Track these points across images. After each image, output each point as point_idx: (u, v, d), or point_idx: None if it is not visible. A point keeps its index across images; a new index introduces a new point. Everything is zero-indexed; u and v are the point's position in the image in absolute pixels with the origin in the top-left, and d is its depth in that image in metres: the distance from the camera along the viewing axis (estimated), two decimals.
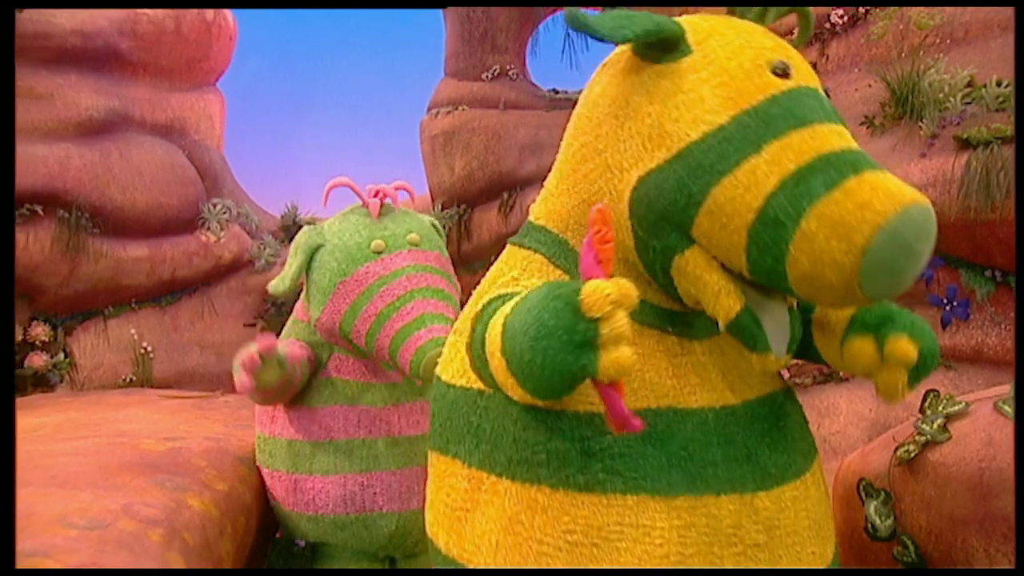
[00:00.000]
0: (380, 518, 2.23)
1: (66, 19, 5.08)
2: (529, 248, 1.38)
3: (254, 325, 5.84)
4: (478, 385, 1.27)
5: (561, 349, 0.88)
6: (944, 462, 1.75)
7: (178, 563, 1.68)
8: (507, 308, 1.05)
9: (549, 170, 1.46)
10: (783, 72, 1.13)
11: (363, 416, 2.24)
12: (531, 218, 1.44)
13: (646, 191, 1.15)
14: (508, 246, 1.47)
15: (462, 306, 2.22)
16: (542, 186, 1.47)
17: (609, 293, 0.85)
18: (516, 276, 1.33)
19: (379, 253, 2.18)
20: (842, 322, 1.26)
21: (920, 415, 1.94)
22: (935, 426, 1.82)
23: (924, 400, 2.00)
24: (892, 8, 3.64)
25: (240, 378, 1.99)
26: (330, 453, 2.22)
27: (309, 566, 3.40)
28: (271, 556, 2.88)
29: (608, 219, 0.90)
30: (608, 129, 1.24)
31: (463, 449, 1.29)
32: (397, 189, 2.38)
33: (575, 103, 1.41)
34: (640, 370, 1.22)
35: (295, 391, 2.28)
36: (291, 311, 2.57)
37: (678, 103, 1.14)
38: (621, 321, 0.86)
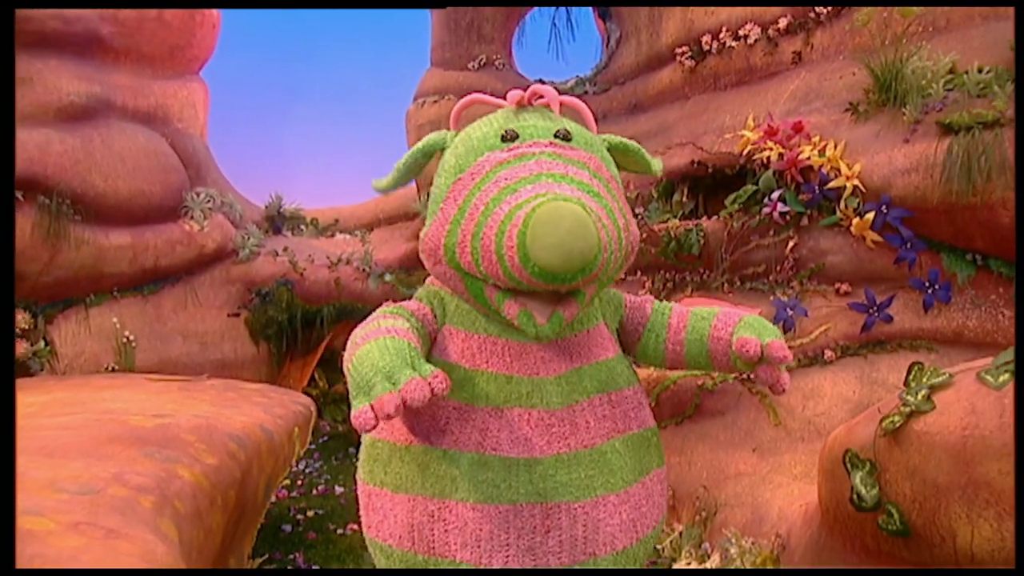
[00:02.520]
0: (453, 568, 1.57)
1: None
2: None
3: (238, 315, 5.80)
4: None
5: None
6: (928, 431, 1.79)
7: (170, 529, 1.67)
8: None
9: None
10: None
11: (453, 417, 1.59)
12: None
13: None
14: None
15: None
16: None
17: None
18: None
19: (509, 141, 1.62)
20: None
21: (905, 387, 1.97)
22: (919, 396, 1.86)
23: (909, 372, 2.03)
24: None
25: (365, 417, 1.30)
26: (405, 462, 1.62)
27: (296, 550, 3.40)
28: (257, 542, 2.88)
29: None
30: None
31: None
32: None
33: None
34: None
35: None
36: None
37: None
38: None
